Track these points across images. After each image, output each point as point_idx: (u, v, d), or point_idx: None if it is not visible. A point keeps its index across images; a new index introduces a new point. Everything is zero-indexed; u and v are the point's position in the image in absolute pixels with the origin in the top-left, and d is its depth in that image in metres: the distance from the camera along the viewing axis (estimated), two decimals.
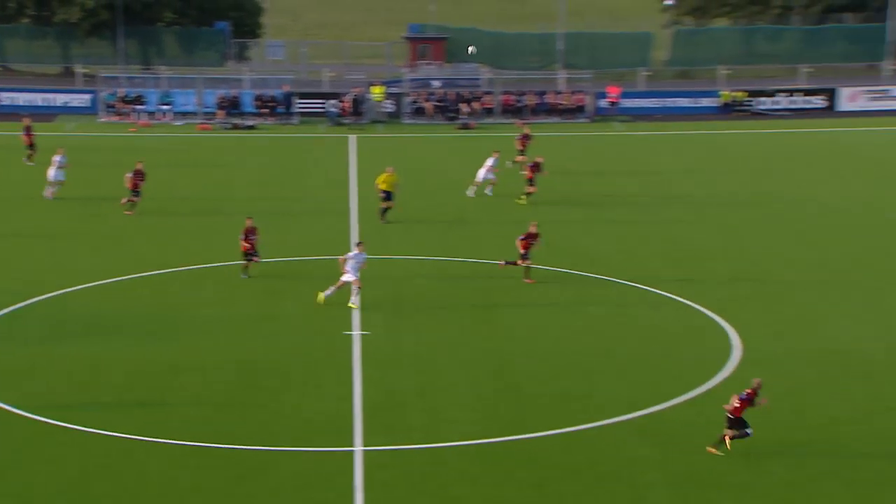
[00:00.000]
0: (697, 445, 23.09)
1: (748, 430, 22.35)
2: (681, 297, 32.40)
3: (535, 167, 43.93)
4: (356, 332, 29.75)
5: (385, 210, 40.71)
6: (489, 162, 45.01)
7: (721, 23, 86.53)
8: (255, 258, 33.73)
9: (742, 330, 29.64)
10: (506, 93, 67.51)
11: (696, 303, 31.85)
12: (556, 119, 65.71)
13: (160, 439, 23.08)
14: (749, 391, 22.33)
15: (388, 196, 40.51)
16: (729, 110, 67.01)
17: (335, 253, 33.94)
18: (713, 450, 22.44)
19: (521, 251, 33.24)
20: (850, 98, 67.12)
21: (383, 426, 24.02)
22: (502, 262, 33.89)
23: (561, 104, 66.92)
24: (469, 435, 23.61)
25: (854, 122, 63.60)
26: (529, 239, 33.24)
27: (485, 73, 72.30)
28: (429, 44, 78.53)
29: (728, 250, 37.71)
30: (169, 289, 33.77)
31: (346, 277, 31.29)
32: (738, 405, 22.29)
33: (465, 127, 64.24)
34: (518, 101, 66.87)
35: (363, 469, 22.00)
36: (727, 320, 30.42)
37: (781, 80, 71.98)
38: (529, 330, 30.12)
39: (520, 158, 48.21)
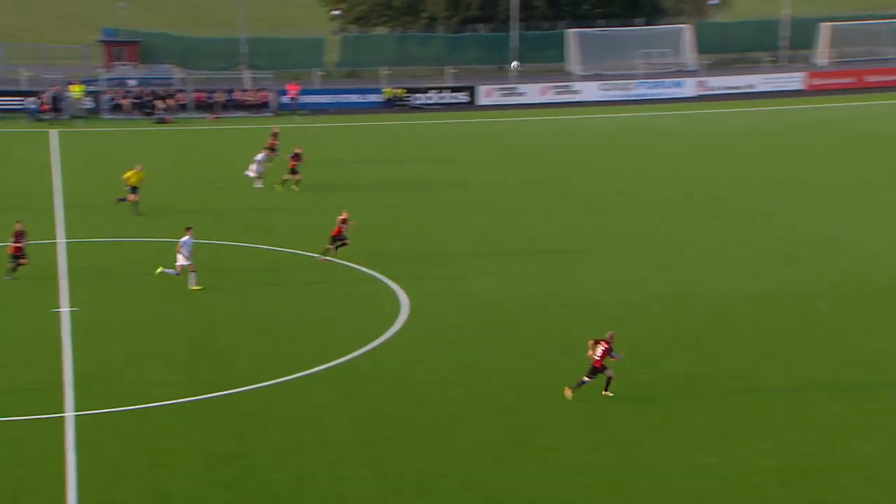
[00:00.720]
0: (374, 389, 23.62)
1: (609, 374, 22.81)
2: (362, 266, 32.81)
3: (296, 157, 43.48)
4: (64, 309, 28.16)
5: (134, 203, 38.77)
6: (258, 157, 43.93)
7: (381, 30, 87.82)
8: (23, 260, 30.61)
9: (410, 291, 30.41)
10: (197, 90, 65.76)
11: (374, 271, 32.34)
12: (243, 114, 64.71)
13: None
14: (606, 344, 22.70)
15: (134, 190, 38.74)
16: (391, 105, 68.20)
17: (41, 240, 31.85)
18: (569, 392, 22.79)
19: (334, 235, 32.86)
20: (487, 94, 70.01)
21: (94, 393, 22.97)
22: (320, 257, 33.20)
23: (247, 100, 66.04)
24: (175, 395, 23.00)
25: (490, 114, 66.45)
26: (342, 224, 32.97)
27: (177, 73, 70.01)
28: (123, 47, 75.23)
29: (398, 226, 38.44)
30: None
31: (181, 262, 29.84)
32: (599, 357, 22.63)
33: (162, 121, 62.12)
34: (209, 98, 65.31)
35: (75, 432, 21.00)
36: (398, 284, 31.12)
37: (432, 80, 74.05)
38: (231, 302, 29.57)
39: (272, 154, 46.66)
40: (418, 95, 69.04)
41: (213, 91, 65.83)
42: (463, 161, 50.83)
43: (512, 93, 70.54)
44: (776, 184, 43.78)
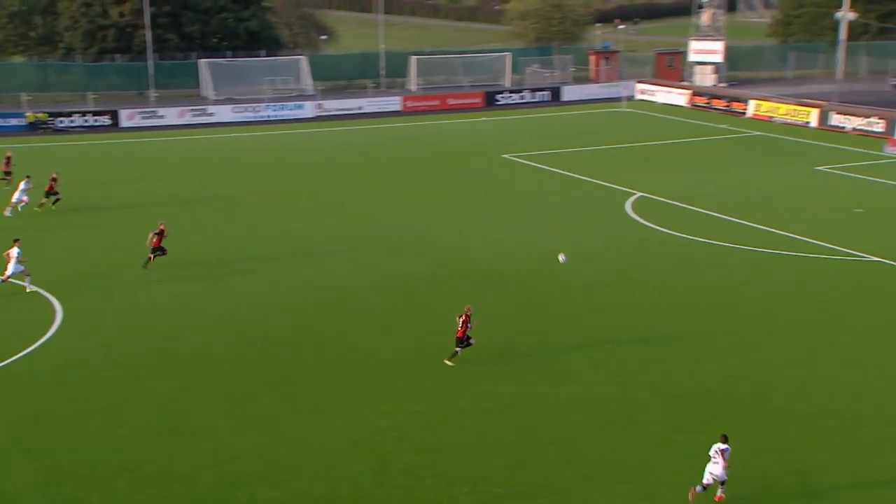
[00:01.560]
0: (30, 391, 21.85)
1: (464, 345, 22.77)
2: (19, 281, 29.83)
3: (54, 180, 40.09)
4: None
5: None
6: (22, 185, 39.39)
7: (18, 59, 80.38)
8: None
9: (64, 301, 28.31)
10: None
11: (30, 284, 29.58)
12: None
13: None
14: (464, 317, 22.55)
15: None
16: (35, 128, 62.62)
17: None
18: (448, 362, 22.65)
19: (154, 245, 31.04)
20: (129, 117, 66.34)
21: None
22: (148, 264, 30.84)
23: None
24: None
25: (133, 135, 63.04)
26: (160, 235, 31.12)
27: None
28: None
29: (51, 243, 35.35)
30: None
31: (10, 270, 28.52)
32: (461, 329, 22.43)
33: None
34: None
35: None
36: (53, 295, 28.83)
37: (75, 105, 68.91)
38: None
39: (8, 178, 41.35)
40: (62, 119, 63.97)
41: None
42: (110, 183, 47.70)
43: (153, 116, 67.41)
44: (382, 189, 45.63)
